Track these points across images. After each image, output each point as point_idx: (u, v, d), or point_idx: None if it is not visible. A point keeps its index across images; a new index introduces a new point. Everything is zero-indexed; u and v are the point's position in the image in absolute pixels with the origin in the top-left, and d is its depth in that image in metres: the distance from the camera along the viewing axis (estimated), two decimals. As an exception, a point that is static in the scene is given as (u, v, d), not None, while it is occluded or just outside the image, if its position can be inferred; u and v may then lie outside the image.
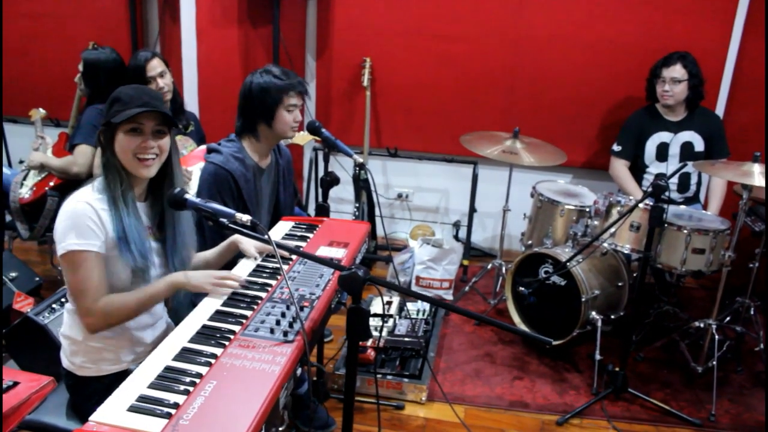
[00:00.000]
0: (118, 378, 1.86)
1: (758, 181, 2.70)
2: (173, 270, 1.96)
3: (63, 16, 4.45)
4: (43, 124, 3.60)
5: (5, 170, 3.57)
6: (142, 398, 1.38)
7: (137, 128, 1.82)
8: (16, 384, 1.37)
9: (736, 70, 3.88)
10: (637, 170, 3.71)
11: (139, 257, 1.84)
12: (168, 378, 1.45)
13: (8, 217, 3.60)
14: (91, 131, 3.15)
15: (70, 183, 3.21)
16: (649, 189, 2.70)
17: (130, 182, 1.87)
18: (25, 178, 3.41)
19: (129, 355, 1.95)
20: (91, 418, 1.31)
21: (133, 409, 1.35)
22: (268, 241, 1.71)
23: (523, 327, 3.36)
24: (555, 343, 3.17)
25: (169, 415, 1.32)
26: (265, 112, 2.47)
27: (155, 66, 3.15)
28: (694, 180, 3.66)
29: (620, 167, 3.69)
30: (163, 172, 1.92)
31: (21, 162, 3.43)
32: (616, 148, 3.69)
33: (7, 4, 4.43)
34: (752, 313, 3.25)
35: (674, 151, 3.60)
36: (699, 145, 3.59)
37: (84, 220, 1.77)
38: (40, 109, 3.67)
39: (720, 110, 3.94)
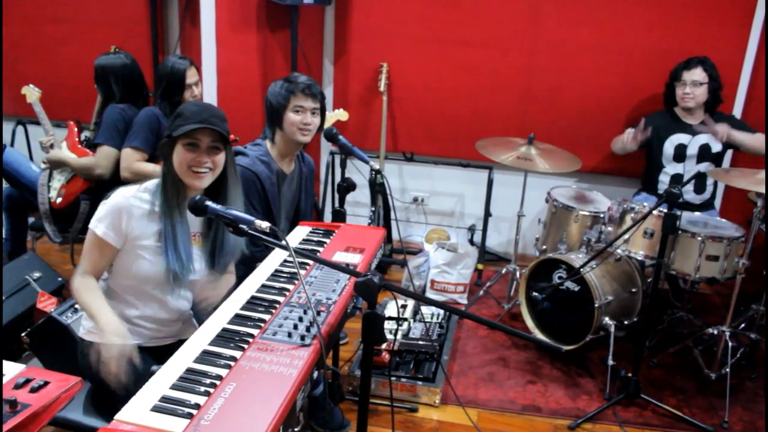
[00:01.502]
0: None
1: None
2: (217, 274, 2.13)
3: (86, 22, 4.54)
4: (53, 123, 3.62)
5: (34, 167, 3.63)
6: (165, 399, 1.43)
7: (194, 143, 1.95)
8: (47, 383, 1.43)
9: (753, 76, 3.88)
10: (654, 170, 3.73)
11: (177, 261, 1.98)
12: (189, 380, 1.50)
13: (31, 219, 3.70)
14: (113, 132, 3.20)
15: (100, 187, 3.28)
16: (663, 195, 2.72)
17: (185, 192, 2.02)
18: (50, 180, 3.47)
19: (136, 336, 2.05)
20: (116, 417, 1.36)
21: (156, 409, 1.40)
22: (286, 247, 1.75)
23: (536, 332, 3.38)
24: (568, 348, 3.20)
25: (190, 416, 1.37)
26: (276, 114, 2.57)
27: (193, 74, 3.21)
28: (710, 181, 3.67)
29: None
30: (219, 184, 2.06)
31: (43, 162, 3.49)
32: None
33: (35, 10, 4.53)
34: (766, 320, 3.25)
35: (692, 152, 3.62)
36: (716, 146, 3.61)
37: (116, 216, 1.95)
38: (32, 87, 3.62)
39: (737, 113, 3.94)
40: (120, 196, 1.98)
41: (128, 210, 1.96)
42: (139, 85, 3.35)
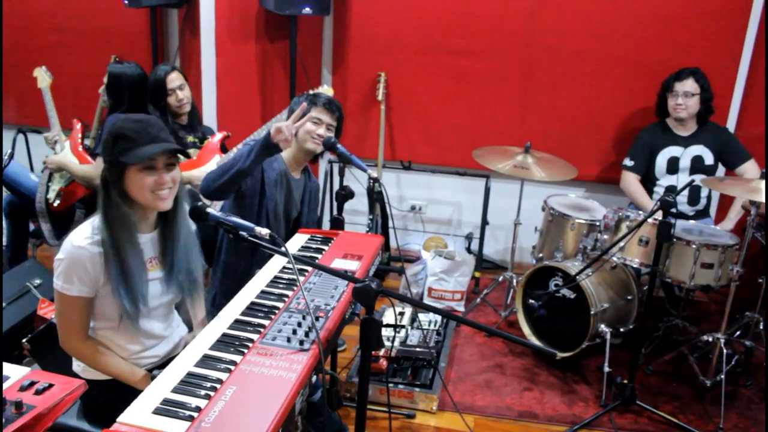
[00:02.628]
0: (117, 383, 1.97)
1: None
2: (186, 290, 2.04)
3: (86, 31, 4.58)
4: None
5: (33, 177, 3.66)
6: (166, 402, 1.45)
7: (151, 165, 1.82)
8: (51, 386, 1.46)
9: (747, 85, 3.93)
10: (648, 183, 3.77)
11: (131, 304, 1.87)
12: (190, 383, 1.53)
13: (32, 226, 3.72)
14: None
15: (95, 195, 3.31)
16: (657, 204, 2.76)
17: (133, 221, 1.88)
18: (50, 180, 3.49)
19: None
20: (118, 419, 1.38)
21: (157, 411, 1.42)
22: (285, 254, 1.78)
23: (533, 339, 3.41)
24: (564, 355, 3.22)
25: (191, 418, 1.39)
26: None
27: (174, 79, 3.27)
28: (704, 193, 3.71)
29: (632, 181, 3.74)
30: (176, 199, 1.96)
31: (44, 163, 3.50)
32: (628, 162, 3.75)
33: (37, 19, 4.57)
34: (762, 327, 3.28)
35: (684, 164, 3.66)
36: (709, 158, 3.64)
37: (73, 267, 1.82)
38: (44, 69, 3.51)
39: (731, 125, 3.98)
40: (74, 246, 1.82)
41: (89, 258, 1.82)
42: (145, 96, 3.39)
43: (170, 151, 1.85)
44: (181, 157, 1.93)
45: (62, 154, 3.42)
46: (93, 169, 3.31)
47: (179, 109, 3.33)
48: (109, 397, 1.98)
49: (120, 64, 3.42)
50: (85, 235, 1.85)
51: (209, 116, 4.33)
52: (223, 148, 3.47)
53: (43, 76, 3.60)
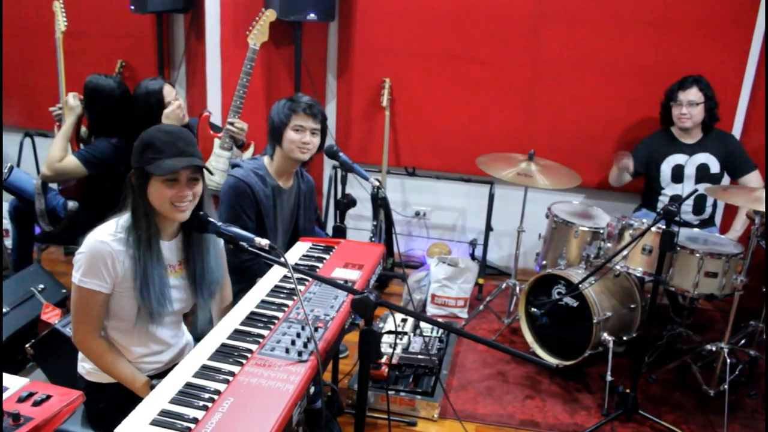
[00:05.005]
0: (120, 388, 1.98)
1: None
2: (202, 301, 2.07)
3: (92, 35, 4.59)
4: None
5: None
6: (164, 413, 1.46)
7: (174, 178, 1.86)
8: (49, 397, 1.47)
9: (753, 93, 3.91)
10: (653, 192, 3.75)
11: (156, 303, 1.91)
12: (188, 394, 1.53)
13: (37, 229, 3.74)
14: (92, 158, 3.24)
15: (88, 191, 3.35)
16: (660, 212, 2.75)
17: (158, 226, 1.93)
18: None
19: (144, 374, 2.03)
20: (116, 430, 1.39)
21: (155, 423, 1.43)
22: (285, 264, 1.79)
23: (535, 347, 3.40)
24: (566, 363, 3.22)
25: (188, 429, 1.40)
26: (276, 131, 2.63)
27: (170, 90, 3.27)
28: (709, 202, 3.69)
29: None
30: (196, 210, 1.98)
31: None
32: None
33: (43, 23, 4.59)
34: (765, 336, 3.26)
35: (689, 172, 3.64)
36: (714, 167, 3.62)
37: (97, 261, 1.84)
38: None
39: (737, 133, 3.97)
40: (97, 241, 1.85)
41: (111, 255, 1.85)
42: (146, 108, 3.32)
43: (194, 166, 1.89)
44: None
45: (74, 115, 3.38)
46: (69, 162, 3.26)
47: (182, 119, 3.31)
48: (112, 402, 1.99)
49: (99, 76, 3.35)
50: (109, 231, 1.88)
51: (214, 121, 4.33)
52: (214, 127, 3.49)
53: (60, 20, 3.59)
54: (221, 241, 2.11)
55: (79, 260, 1.87)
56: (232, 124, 3.37)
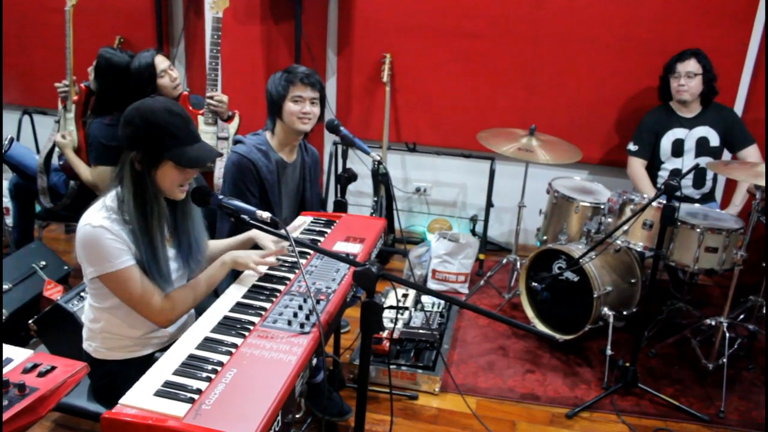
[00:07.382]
0: (129, 362, 1.99)
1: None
2: (190, 273, 2.08)
3: (90, 11, 4.53)
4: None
5: (38, 158, 3.66)
6: (168, 384, 1.47)
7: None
8: (54, 368, 1.48)
9: (756, 68, 3.89)
10: (653, 167, 3.75)
11: (163, 283, 1.93)
12: (191, 366, 1.55)
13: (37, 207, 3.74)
14: (102, 150, 3.18)
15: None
16: (661, 188, 2.74)
17: (161, 207, 1.94)
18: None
19: (147, 348, 2.04)
20: (120, 401, 1.40)
21: (159, 393, 1.44)
22: (286, 237, 1.79)
23: (536, 321, 3.42)
24: (567, 337, 3.24)
25: (192, 400, 1.41)
26: (275, 105, 2.60)
27: (162, 60, 3.18)
28: (709, 175, 3.68)
29: (637, 167, 3.72)
30: None
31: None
32: (632, 147, 3.73)
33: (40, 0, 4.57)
34: (765, 311, 3.28)
35: (689, 146, 3.63)
36: (714, 140, 3.62)
37: (106, 243, 1.81)
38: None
39: (738, 109, 3.95)
40: (95, 227, 1.81)
41: (115, 232, 1.82)
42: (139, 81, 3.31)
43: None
44: None
45: (70, 148, 3.39)
46: (91, 178, 3.27)
47: (174, 90, 3.23)
48: (117, 376, 2.00)
49: (113, 50, 3.29)
50: (102, 215, 1.84)
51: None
52: (195, 105, 3.45)
53: None
54: (200, 210, 2.11)
55: (89, 255, 1.84)
56: (211, 98, 3.31)
